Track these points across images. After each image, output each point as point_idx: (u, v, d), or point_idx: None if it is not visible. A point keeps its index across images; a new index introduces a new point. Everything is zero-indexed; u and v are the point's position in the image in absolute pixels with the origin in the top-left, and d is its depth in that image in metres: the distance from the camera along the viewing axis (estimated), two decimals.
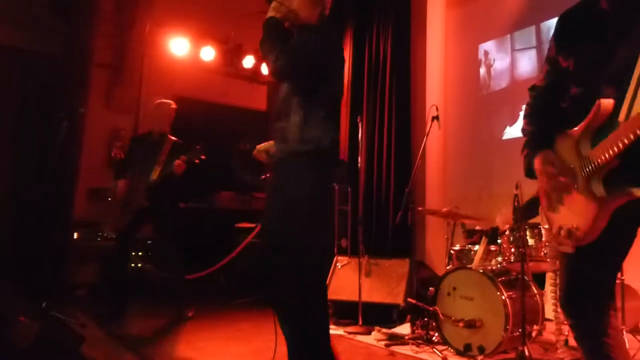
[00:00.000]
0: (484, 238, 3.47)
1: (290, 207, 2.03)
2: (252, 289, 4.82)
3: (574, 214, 1.54)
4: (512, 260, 3.17)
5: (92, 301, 4.62)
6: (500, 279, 3.10)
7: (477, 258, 3.41)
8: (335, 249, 4.97)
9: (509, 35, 5.25)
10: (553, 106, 1.71)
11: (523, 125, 1.78)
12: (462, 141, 5.61)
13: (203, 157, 3.97)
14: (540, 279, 3.67)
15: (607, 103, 1.45)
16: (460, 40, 5.75)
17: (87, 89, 5.32)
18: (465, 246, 3.68)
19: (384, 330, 3.67)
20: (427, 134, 4.01)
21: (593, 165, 1.46)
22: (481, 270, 3.16)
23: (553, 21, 4.76)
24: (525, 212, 2.94)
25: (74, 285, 4.92)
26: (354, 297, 4.08)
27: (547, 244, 3.10)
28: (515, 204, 2.96)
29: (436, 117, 3.91)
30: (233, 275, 5.55)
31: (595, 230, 1.49)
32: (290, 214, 2.02)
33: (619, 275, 3.23)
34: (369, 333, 3.74)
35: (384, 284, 4.30)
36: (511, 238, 3.19)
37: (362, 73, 6.28)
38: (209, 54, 6.41)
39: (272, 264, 2.07)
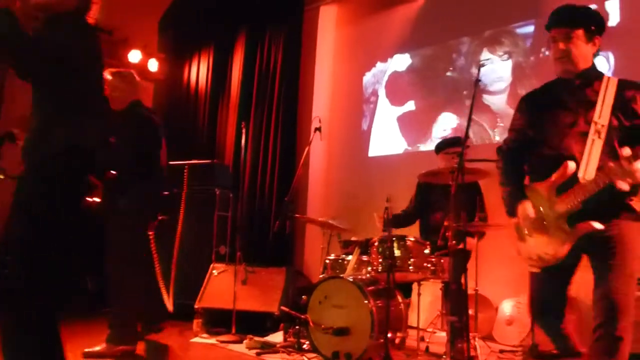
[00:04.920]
0: (356, 248, 3.59)
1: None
2: None
3: (544, 244, 2.08)
4: (379, 270, 3.31)
5: None
6: (369, 288, 3.21)
7: (349, 268, 3.51)
8: (213, 256, 4.85)
9: (389, 59, 5.55)
10: (520, 165, 2.30)
11: (501, 180, 2.32)
12: (344, 154, 5.79)
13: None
14: (406, 288, 3.87)
15: (572, 164, 1.99)
16: (348, 59, 5.95)
17: None
18: (339, 256, 3.78)
19: (256, 338, 3.64)
20: (310, 144, 4.09)
21: (560, 209, 2.02)
22: (351, 279, 3.25)
23: (425, 50, 5.18)
24: (393, 222, 3.09)
25: None
26: (228, 306, 4.01)
27: (412, 256, 3.28)
28: (385, 215, 3.10)
29: (318, 129, 4.00)
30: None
31: (560, 255, 2.03)
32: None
33: (473, 286, 3.53)
34: (241, 342, 3.69)
35: (260, 292, 4.27)
36: (380, 249, 3.33)
37: (251, 79, 6.24)
38: None
39: None
